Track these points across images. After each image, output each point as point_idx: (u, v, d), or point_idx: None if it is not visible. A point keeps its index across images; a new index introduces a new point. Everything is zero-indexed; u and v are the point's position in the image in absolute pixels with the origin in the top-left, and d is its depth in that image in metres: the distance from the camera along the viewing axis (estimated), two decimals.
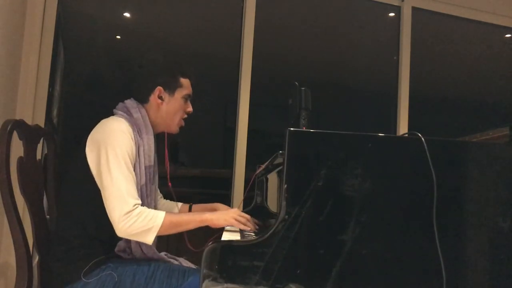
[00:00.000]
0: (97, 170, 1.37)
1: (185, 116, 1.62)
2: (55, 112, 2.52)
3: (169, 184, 1.67)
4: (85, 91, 2.78)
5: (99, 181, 1.37)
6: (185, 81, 1.58)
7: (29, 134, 1.46)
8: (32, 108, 2.27)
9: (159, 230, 1.33)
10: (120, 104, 1.54)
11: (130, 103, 1.53)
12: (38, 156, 1.57)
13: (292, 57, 3.24)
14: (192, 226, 1.40)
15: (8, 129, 1.31)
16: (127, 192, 1.33)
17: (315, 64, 3.31)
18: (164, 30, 2.96)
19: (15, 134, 1.36)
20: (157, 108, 1.55)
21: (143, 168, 1.46)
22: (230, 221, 1.40)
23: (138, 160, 1.44)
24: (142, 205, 1.40)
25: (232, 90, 2.74)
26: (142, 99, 1.55)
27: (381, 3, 3.09)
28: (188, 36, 3.03)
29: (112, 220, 1.31)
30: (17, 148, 1.40)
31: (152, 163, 1.53)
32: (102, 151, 1.36)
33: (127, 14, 2.87)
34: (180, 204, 1.81)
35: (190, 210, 1.80)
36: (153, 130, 1.54)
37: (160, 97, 1.54)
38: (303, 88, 1.42)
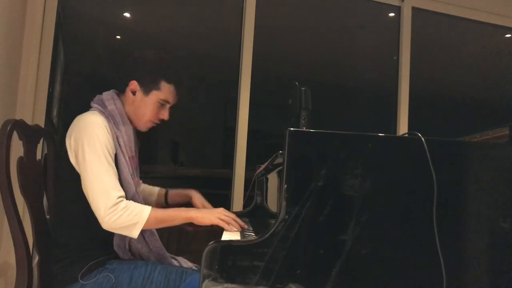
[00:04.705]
0: (78, 167, 1.38)
1: (157, 121, 1.56)
2: (55, 112, 2.52)
3: (139, 180, 1.66)
4: (85, 91, 2.78)
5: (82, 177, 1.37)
6: (166, 86, 1.51)
7: (29, 134, 1.46)
8: (32, 108, 2.27)
9: (144, 225, 1.34)
10: (97, 96, 1.53)
11: (106, 94, 1.52)
12: (38, 156, 1.57)
13: (292, 57, 3.24)
14: (176, 222, 1.41)
15: (8, 129, 1.31)
16: (110, 185, 1.33)
17: (315, 64, 3.31)
18: (164, 30, 2.96)
19: (15, 134, 1.36)
20: (130, 101, 1.52)
21: (127, 158, 1.45)
22: (215, 221, 1.40)
23: (120, 151, 1.43)
24: (130, 197, 1.41)
25: (232, 90, 2.74)
26: (121, 89, 1.54)
27: (381, 3, 3.08)
28: (188, 36, 3.03)
29: (97, 214, 1.32)
30: (17, 148, 1.40)
31: (134, 154, 1.52)
32: (79, 147, 1.37)
33: (127, 14, 2.87)
34: (157, 188, 1.81)
35: (166, 195, 1.81)
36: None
37: (133, 92, 1.51)
38: (303, 88, 1.42)
